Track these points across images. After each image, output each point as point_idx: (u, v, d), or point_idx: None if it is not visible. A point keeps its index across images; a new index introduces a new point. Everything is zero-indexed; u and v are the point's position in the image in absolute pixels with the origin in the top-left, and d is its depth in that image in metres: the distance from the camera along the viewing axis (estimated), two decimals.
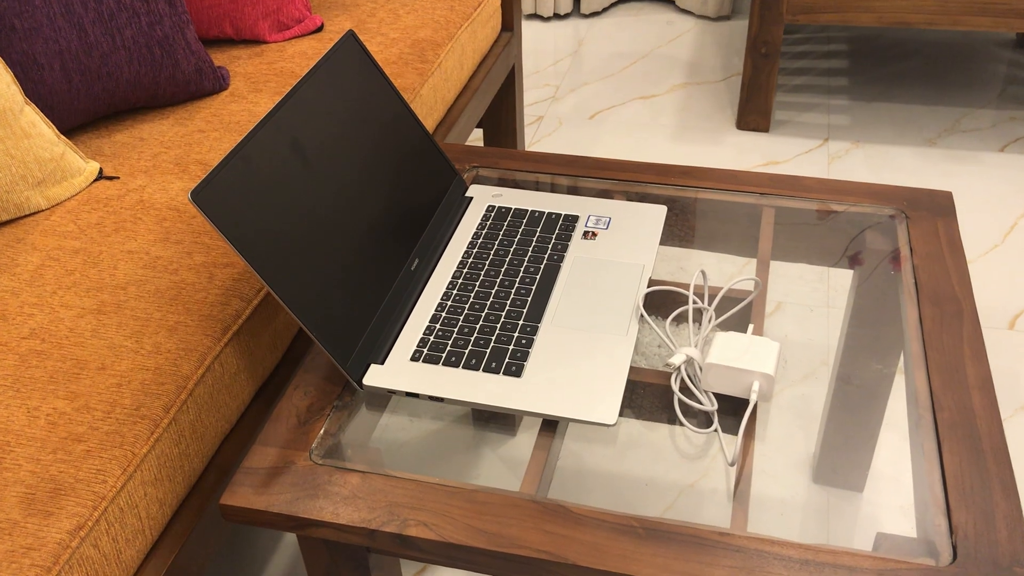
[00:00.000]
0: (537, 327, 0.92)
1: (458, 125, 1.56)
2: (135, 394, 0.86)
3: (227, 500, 0.79)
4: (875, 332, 0.97)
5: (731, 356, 0.84)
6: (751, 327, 0.90)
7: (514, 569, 0.75)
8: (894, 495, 0.81)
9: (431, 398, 0.85)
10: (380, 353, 0.90)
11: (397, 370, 0.88)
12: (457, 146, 1.25)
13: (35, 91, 1.17)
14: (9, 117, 1.06)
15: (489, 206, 1.10)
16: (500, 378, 0.86)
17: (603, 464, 0.84)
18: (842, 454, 0.87)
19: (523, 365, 0.87)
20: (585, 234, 1.05)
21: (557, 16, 2.81)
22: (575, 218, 1.07)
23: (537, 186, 1.17)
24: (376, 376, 0.87)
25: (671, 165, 1.18)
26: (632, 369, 0.89)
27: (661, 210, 1.08)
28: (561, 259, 1.01)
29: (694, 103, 2.29)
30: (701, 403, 0.84)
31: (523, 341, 0.90)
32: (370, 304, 0.91)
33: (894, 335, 0.95)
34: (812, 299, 1.02)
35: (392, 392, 0.86)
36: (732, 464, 0.79)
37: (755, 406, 0.84)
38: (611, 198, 1.13)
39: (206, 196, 0.80)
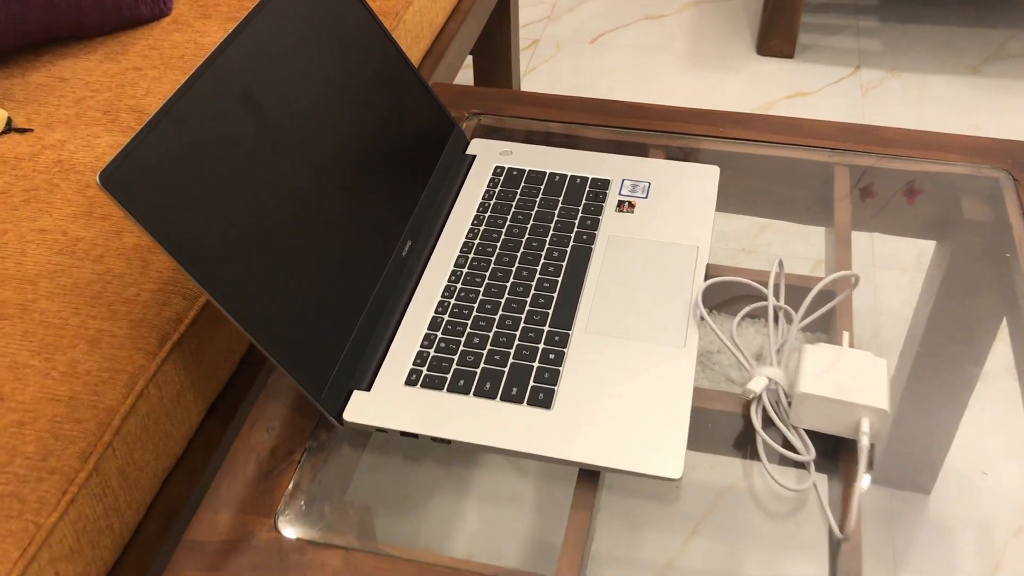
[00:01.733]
0: (568, 336, 0.71)
1: (448, 55, 1.32)
2: (42, 437, 0.65)
3: None
4: (962, 318, 0.77)
5: (829, 383, 0.63)
6: (846, 335, 0.69)
7: None
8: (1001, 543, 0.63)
9: (435, 439, 0.65)
10: (365, 375, 0.69)
11: (388, 398, 0.67)
12: (451, 87, 1.02)
13: None
14: None
15: (497, 167, 0.88)
16: (525, 410, 0.66)
17: (657, 527, 0.64)
18: (911, 456, 0.68)
19: (553, 391, 0.67)
20: (620, 204, 0.83)
21: None
22: (606, 183, 0.85)
23: (543, 138, 0.95)
24: (360, 408, 0.66)
25: (719, 112, 0.96)
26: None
27: (712, 171, 0.87)
28: (592, 239, 0.79)
29: (708, 24, 2.05)
30: (794, 449, 0.64)
31: (551, 356, 0.69)
32: (351, 307, 0.70)
33: (985, 324, 0.75)
34: (886, 275, 0.82)
35: (382, 430, 0.66)
36: (844, 540, 0.59)
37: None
38: (646, 155, 0.91)
39: (123, 178, 0.57)
